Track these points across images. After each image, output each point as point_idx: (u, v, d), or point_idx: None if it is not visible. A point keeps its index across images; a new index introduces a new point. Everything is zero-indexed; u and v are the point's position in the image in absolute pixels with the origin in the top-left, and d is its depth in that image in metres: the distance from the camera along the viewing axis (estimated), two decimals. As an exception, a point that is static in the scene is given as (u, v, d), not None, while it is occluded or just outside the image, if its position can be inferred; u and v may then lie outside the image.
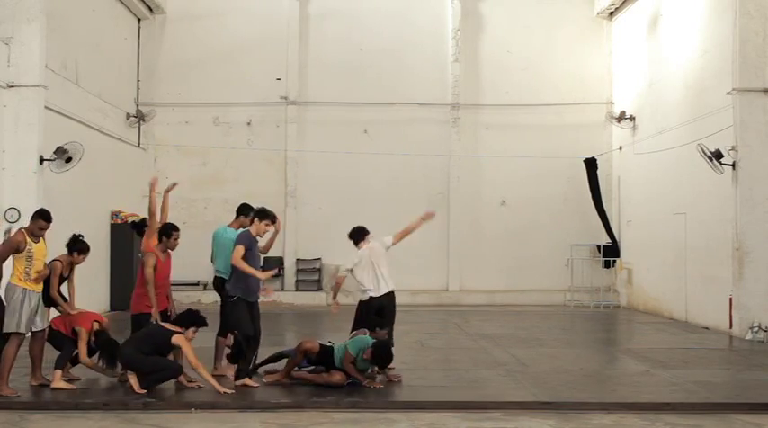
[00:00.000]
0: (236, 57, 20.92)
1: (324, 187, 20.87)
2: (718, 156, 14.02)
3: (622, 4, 20.29)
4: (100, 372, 9.11)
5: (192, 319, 8.81)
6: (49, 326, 8.98)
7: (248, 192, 20.89)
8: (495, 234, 21.01)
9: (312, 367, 9.23)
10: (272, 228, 9.29)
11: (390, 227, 20.62)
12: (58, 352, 9.03)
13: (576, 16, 21.46)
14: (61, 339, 9.01)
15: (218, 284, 9.79)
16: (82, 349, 8.94)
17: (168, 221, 9.82)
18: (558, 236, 20.71)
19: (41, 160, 13.68)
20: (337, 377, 8.94)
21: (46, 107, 13.94)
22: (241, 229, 9.49)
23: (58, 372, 8.78)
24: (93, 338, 9.02)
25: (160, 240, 9.34)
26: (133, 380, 8.51)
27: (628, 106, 19.98)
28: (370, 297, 9.79)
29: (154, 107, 20.31)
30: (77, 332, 8.97)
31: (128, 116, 19.60)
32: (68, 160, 14.17)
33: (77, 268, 9.45)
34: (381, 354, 8.97)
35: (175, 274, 19.03)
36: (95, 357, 9.07)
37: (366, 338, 9.21)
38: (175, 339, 8.56)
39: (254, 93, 20.89)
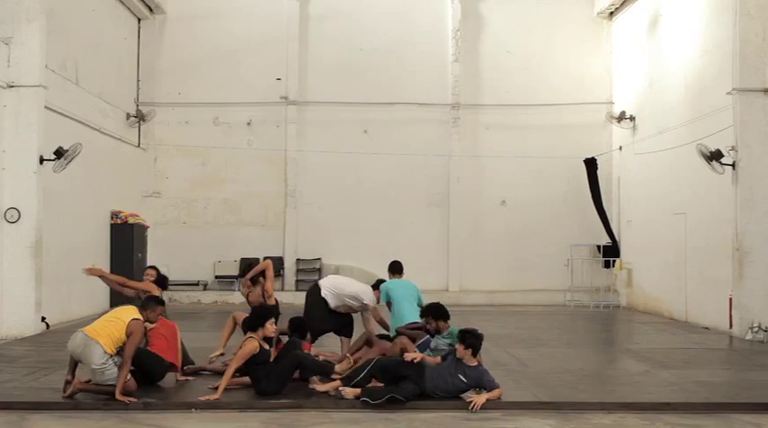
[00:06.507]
0: (236, 57, 20.94)
1: (324, 187, 20.90)
2: (717, 156, 14.03)
3: (622, 4, 20.30)
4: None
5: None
6: None
7: (248, 192, 21.03)
8: (495, 234, 21.03)
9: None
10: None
11: (389, 227, 20.87)
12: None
13: (575, 16, 21.48)
14: None
15: None
16: None
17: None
18: (558, 236, 20.73)
19: (41, 160, 13.68)
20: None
21: (46, 107, 13.95)
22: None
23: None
24: None
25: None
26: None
27: (628, 106, 19.99)
28: None
29: (154, 107, 20.31)
30: None
31: (128, 116, 19.60)
32: (68, 160, 14.19)
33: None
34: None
35: (176, 274, 19.31)
36: None
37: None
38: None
39: (254, 93, 20.91)
